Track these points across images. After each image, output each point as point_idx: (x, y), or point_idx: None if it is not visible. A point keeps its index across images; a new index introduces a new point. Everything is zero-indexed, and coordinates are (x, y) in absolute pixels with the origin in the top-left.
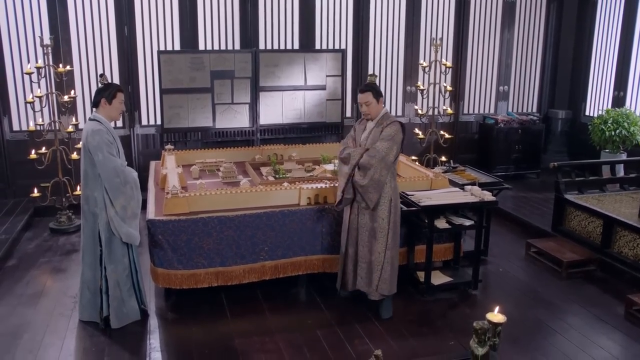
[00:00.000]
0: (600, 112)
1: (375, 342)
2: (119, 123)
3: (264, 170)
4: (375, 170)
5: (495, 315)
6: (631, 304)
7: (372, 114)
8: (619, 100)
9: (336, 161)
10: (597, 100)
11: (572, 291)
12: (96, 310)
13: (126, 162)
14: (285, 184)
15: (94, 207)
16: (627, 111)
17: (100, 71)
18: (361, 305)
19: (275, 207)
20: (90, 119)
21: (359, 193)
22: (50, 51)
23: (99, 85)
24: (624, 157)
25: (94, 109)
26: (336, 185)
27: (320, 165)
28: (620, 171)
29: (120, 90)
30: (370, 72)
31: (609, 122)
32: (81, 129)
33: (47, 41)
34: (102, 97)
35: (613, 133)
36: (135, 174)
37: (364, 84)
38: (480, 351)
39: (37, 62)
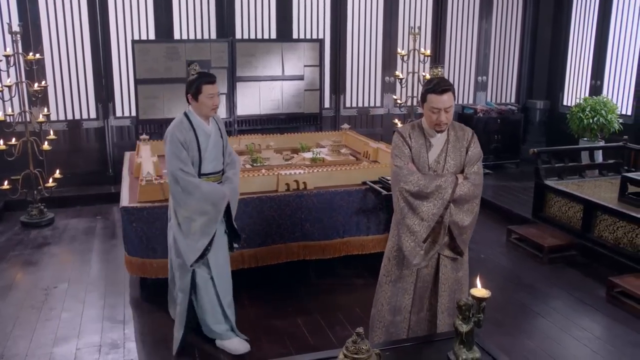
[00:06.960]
0: (578, 101)
1: (357, 328)
2: (92, 114)
3: (241, 159)
4: (478, 202)
5: (479, 290)
6: (612, 286)
7: (449, 124)
8: (596, 89)
9: (316, 149)
10: (575, 90)
11: (554, 275)
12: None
13: (221, 168)
14: (263, 170)
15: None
16: (605, 99)
17: (72, 60)
18: (343, 292)
19: (252, 193)
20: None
21: (453, 237)
22: (19, 38)
23: (190, 76)
24: (602, 144)
25: None
26: (317, 171)
27: (299, 153)
28: (599, 157)
29: (209, 82)
30: (349, 61)
31: (587, 110)
32: (53, 120)
33: (15, 28)
34: (188, 93)
35: (591, 121)
36: (220, 190)
37: (440, 80)
38: (464, 328)
39: (5, 49)
